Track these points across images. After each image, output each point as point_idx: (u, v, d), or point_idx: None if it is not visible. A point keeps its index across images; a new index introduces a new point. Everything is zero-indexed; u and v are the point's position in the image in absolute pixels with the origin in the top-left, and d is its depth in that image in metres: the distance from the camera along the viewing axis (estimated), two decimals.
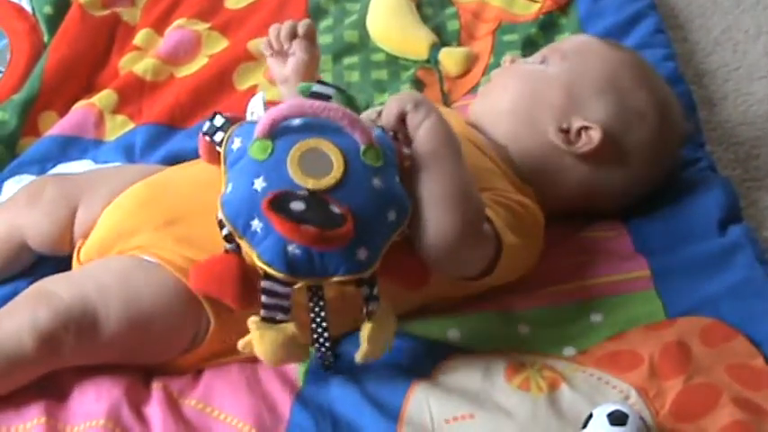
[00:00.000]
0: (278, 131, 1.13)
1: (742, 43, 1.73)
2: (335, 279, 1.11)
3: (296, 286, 1.12)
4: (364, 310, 1.13)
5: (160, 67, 1.69)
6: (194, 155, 1.40)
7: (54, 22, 1.78)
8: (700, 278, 1.27)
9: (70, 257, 1.30)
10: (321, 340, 1.15)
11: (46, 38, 1.76)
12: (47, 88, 1.65)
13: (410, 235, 1.16)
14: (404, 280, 1.19)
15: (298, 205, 1.09)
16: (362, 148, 1.13)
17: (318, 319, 1.14)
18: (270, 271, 1.10)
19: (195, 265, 1.16)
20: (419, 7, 1.77)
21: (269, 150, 1.12)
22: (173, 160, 1.46)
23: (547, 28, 1.72)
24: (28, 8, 1.81)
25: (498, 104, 1.37)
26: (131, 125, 1.60)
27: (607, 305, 1.26)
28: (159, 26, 1.79)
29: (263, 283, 1.11)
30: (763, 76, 1.65)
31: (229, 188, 1.12)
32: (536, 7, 1.76)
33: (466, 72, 1.65)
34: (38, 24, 1.78)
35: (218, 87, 1.65)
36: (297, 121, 1.14)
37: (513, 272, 1.25)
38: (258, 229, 1.10)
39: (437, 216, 1.14)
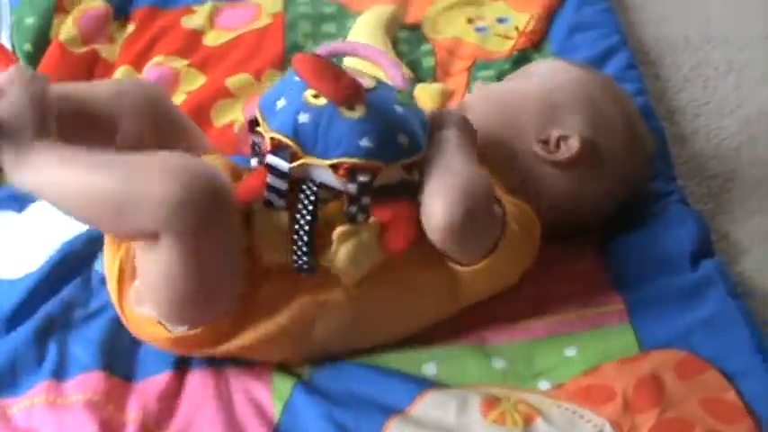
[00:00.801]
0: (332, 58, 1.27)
1: (712, 79, 1.75)
2: (332, 161, 1.19)
3: (295, 164, 1.19)
4: (346, 210, 1.20)
5: None
6: None
7: (34, 59, 1.78)
8: (673, 312, 1.28)
9: None
10: (300, 243, 1.19)
11: None
12: None
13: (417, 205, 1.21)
14: (390, 231, 1.21)
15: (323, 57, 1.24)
16: (398, 90, 1.26)
17: (302, 222, 1.19)
18: (277, 136, 1.20)
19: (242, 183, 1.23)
20: (395, 44, 1.79)
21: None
22: None
23: (521, 64, 1.72)
24: (8, 45, 1.82)
25: (483, 125, 1.36)
26: None
27: (581, 339, 1.27)
28: (138, 63, 1.80)
29: (269, 158, 1.20)
30: (733, 110, 1.68)
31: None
32: (510, 44, 1.79)
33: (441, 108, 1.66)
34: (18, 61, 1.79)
35: (195, 123, 1.66)
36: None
37: (509, 266, 1.27)
38: (279, 105, 1.22)
39: (444, 187, 1.19)
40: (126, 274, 1.27)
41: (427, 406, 1.19)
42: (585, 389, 1.20)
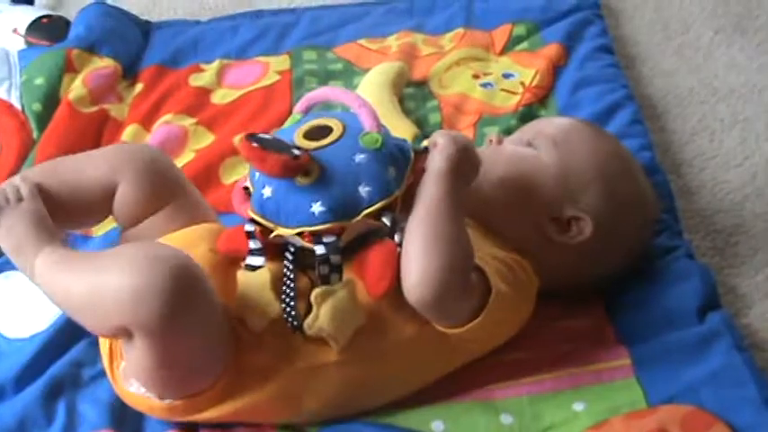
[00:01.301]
0: (310, 109, 1.33)
1: (718, 132, 1.76)
2: (292, 231, 1.22)
3: (270, 236, 1.25)
4: (317, 272, 1.22)
5: None
6: None
7: (43, 118, 1.80)
8: (680, 366, 1.28)
9: None
10: (287, 300, 1.22)
11: (35, 134, 1.78)
12: None
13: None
14: (368, 277, 1.23)
15: (265, 137, 1.25)
16: (363, 131, 1.25)
17: (288, 282, 1.23)
18: (251, 214, 1.26)
19: (224, 234, 1.29)
20: (401, 101, 1.80)
21: (295, 121, 1.31)
22: None
23: (526, 119, 1.73)
24: (17, 105, 1.84)
25: (493, 189, 1.36)
26: None
27: (589, 393, 1.27)
28: (147, 122, 1.81)
29: (246, 226, 1.26)
30: (739, 164, 1.68)
31: None
32: (516, 100, 1.80)
33: None
34: (27, 121, 1.81)
35: (204, 181, 1.67)
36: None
37: (502, 326, 1.27)
38: (256, 177, 1.27)
39: (422, 254, 1.20)
40: (115, 353, 1.28)
41: None
42: None
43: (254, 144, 1.22)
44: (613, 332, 1.36)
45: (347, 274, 1.23)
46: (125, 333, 1.18)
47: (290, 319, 1.22)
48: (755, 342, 1.37)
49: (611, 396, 1.26)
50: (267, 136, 1.26)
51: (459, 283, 1.21)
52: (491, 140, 1.44)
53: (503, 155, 1.40)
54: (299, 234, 1.23)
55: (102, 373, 1.34)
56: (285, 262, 1.24)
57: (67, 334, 1.39)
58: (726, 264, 1.50)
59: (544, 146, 1.39)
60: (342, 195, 1.23)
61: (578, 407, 1.26)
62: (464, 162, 1.27)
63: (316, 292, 1.21)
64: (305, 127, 1.28)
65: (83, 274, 1.22)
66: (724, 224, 1.57)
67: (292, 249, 1.25)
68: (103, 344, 1.30)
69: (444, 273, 1.19)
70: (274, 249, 1.26)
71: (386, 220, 1.23)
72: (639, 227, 1.40)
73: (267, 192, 1.24)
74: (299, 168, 1.22)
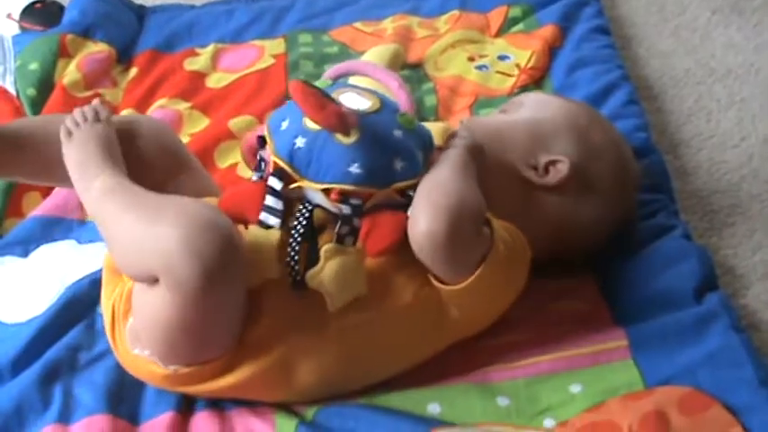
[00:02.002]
0: (337, 79, 1.32)
1: (715, 112, 1.76)
2: (320, 186, 1.22)
3: (290, 186, 1.24)
4: (336, 230, 1.23)
5: None
6: None
7: (38, 103, 1.81)
8: (677, 347, 1.28)
9: None
10: (292, 254, 1.23)
11: None
12: None
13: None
14: (372, 237, 1.23)
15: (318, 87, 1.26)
16: (400, 111, 1.28)
17: (296, 235, 1.23)
18: (276, 160, 1.24)
19: (228, 192, 1.29)
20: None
21: (326, 85, 1.30)
22: None
23: None
24: (12, 90, 1.84)
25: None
26: None
27: (585, 375, 1.27)
28: (141, 106, 1.81)
29: (270, 180, 1.25)
30: (736, 144, 1.68)
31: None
32: (511, 81, 1.80)
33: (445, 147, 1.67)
34: (22, 106, 1.81)
35: None
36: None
37: (494, 293, 1.28)
38: (283, 126, 1.25)
39: (433, 196, 1.22)
40: (118, 313, 1.28)
41: None
42: (591, 425, 1.20)
43: (313, 89, 1.23)
44: (610, 314, 1.35)
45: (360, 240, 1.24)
46: (152, 280, 1.18)
47: (295, 277, 1.22)
48: (753, 323, 1.37)
49: (608, 378, 1.26)
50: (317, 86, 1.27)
51: (466, 223, 1.21)
52: (467, 119, 1.51)
53: (476, 123, 1.47)
54: (325, 191, 1.23)
55: (99, 358, 1.34)
56: (297, 215, 1.24)
57: (64, 318, 1.40)
58: (723, 244, 1.50)
59: (513, 109, 1.47)
60: (380, 162, 1.24)
61: (575, 389, 1.26)
62: (477, 151, 1.31)
63: (328, 246, 1.22)
64: (339, 93, 1.29)
65: (138, 208, 1.22)
66: (721, 204, 1.57)
67: (309, 207, 1.25)
68: (107, 306, 1.30)
69: (454, 210, 1.20)
70: (287, 207, 1.25)
71: (412, 194, 1.24)
72: (620, 176, 1.42)
73: (300, 142, 1.24)
74: (350, 125, 1.23)
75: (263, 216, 1.25)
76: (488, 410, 1.24)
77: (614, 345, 1.30)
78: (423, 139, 1.30)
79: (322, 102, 1.23)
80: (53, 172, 1.39)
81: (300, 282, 1.23)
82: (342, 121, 1.23)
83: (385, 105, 1.29)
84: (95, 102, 1.40)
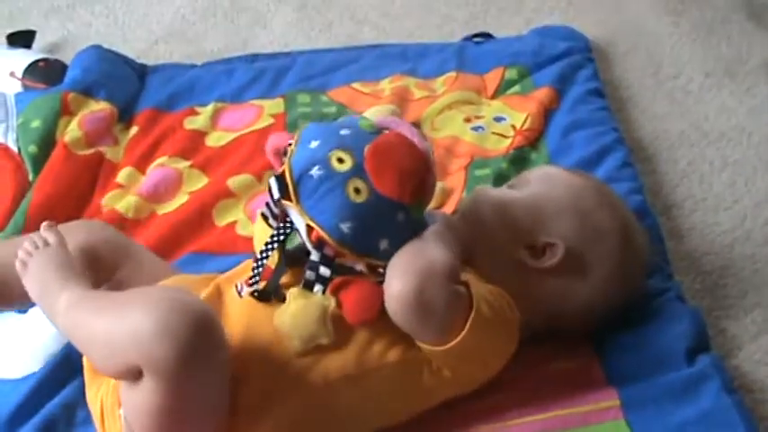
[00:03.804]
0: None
1: (707, 175, 1.77)
2: (306, 218, 1.24)
3: (284, 201, 1.26)
4: (303, 274, 1.25)
5: (142, 205, 1.72)
6: None
7: (39, 160, 1.81)
8: (669, 407, 1.28)
9: None
10: (259, 262, 1.28)
11: (31, 176, 1.79)
12: (31, 226, 1.67)
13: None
14: (349, 303, 1.25)
15: None
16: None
17: (266, 248, 1.28)
18: (286, 171, 1.26)
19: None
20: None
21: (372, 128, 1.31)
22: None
23: (517, 162, 1.76)
24: (14, 147, 1.85)
25: (472, 225, 1.40)
26: None
27: None
28: (141, 164, 1.83)
29: (270, 180, 1.27)
30: (728, 207, 1.70)
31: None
32: (507, 143, 1.81)
33: (440, 206, 1.68)
34: (23, 163, 1.82)
35: (197, 224, 1.69)
36: None
37: (481, 354, 1.28)
38: (312, 145, 1.27)
39: (404, 261, 1.23)
40: (107, 407, 1.29)
41: None
42: None
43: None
44: (602, 373, 1.36)
45: (329, 292, 1.26)
46: (135, 374, 1.18)
47: (255, 283, 1.27)
48: (744, 384, 1.38)
49: None
50: None
51: (439, 280, 1.22)
52: (477, 189, 1.49)
53: (481, 194, 1.45)
54: (309, 227, 1.25)
55: None
56: (277, 230, 1.28)
57: (60, 375, 1.40)
58: (715, 305, 1.51)
59: (520, 184, 1.46)
60: (367, 234, 1.25)
61: None
62: (453, 225, 1.35)
63: (294, 289, 1.25)
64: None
65: (106, 310, 1.24)
66: (713, 266, 1.58)
67: (288, 228, 1.27)
68: (94, 402, 1.31)
69: (423, 270, 1.22)
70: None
71: (381, 271, 1.25)
72: (621, 262, 1.40)
73: (315, 172, 1.25)
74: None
75: (264, 209, 1.29)
76: None
77: (607, 405, 1.30)
78: (422, 228, 1.29)
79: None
80: (11, 296, 1.42)
81: (258, 291, 1.26)
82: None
83: None
84: (44, 225, 1.40)
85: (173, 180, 1.78)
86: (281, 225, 1.28)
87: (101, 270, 1.41)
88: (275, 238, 1.28)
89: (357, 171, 1.26)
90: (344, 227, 1.24)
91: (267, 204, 1.29)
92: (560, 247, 1.37)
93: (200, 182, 1.78)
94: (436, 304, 1.22)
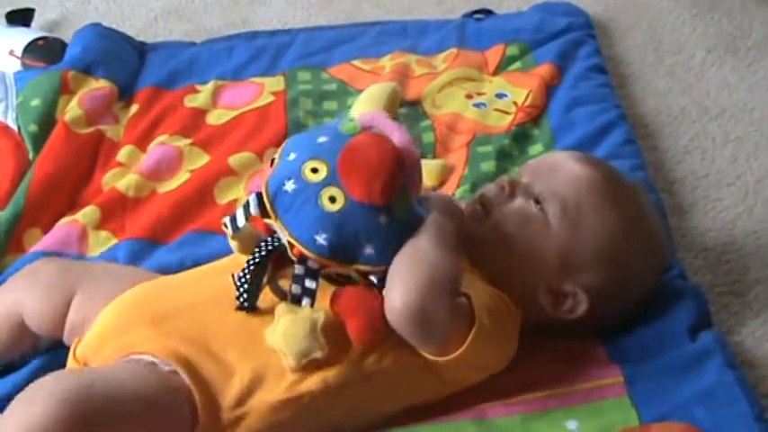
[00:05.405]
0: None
1: (710, 151, 1.77)
2: (286, 234, 1.22)
3: (265, 219, 1.24)
4: (289, 289, 1.23)
5: (142, 183, 1.71)
6: (176, 269, 1.45)
7: (39, 139, 1.81)
8: (672, 384, 1.29)
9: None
10: (244, 279, 1.25)
11: (31, 155, 1.79)
12: (31, 205, 1.67)
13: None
14: (356, 328, 1.22)
15: None
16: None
17: (251, 261, 1.24)
18: (263, 191, 1.24)
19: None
20: (395, 120, 1.80)
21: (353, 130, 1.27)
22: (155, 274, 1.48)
23: (520, 139, 1.76)
24: (13, 126, 1.84)
25: (496, 247, 1.36)
26: (114, 240, 1.62)
27: (581, 412, 1.27)
28: (142, 143, 1.82)
29: (251, 197, 1.25)
30: (731, 182, 1.70)
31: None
32: (509, 119, 1.80)
33: (441, 183, 1.68)
34: (23, 142, 1.81)
35: (199, 202, 1.68)
36: None
37: (485, 360, 1.28)
38: (291, 158, 1.24)
39: (404, 271, 1.20)
40: None
41: None
42: None
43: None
44: (605, 351, 1.36)
45: (321, 302, 1.24)
46: None
47: (240, 296, 1.25)
48: (747, 360, 1.38)
49: (604, 414, 1.27)
50: None
51: (443, 295, 1.20)
52: (503, 187, 1.39)
53: (512, 212, 1.37)
54: (289, 242, 1.23)
55: None
56: (262, 244, 1.25)
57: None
58: (718, 282, 1.51)
59: (553, 210, 1.34)
60: (346, 241, 1.22)
61: (571, 425, 1.26)
62: (454, 213, 1.31)
63: (281, 305, 1.23)
64: None
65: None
66: (716, 242, 1.58)
67: (275, 243, 1.25)
68: None
69: (426, 285, 1.18)
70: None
71: (373, 279, 1.23)
72: (637, 301, 1.38)
73: (289, 186, 1.23)
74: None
75: (237, 213, 1.26)
76: None
77: (610, 381, 1.31)
78: (410, 227, 1.25)
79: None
80: None
81: (243, 300, 1.24)
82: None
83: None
84: None
85: (173, 158, 1.77)
86: (267, 240, 1.26)
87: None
88: (259, 253, 1.25)
89: (332, 179, 1.22)
90: (320, 238, 1.21)
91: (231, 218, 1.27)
92: (584, 301, 1.33)
93: (201, 160, 1.78)
94: (438, 320, 1.20)
